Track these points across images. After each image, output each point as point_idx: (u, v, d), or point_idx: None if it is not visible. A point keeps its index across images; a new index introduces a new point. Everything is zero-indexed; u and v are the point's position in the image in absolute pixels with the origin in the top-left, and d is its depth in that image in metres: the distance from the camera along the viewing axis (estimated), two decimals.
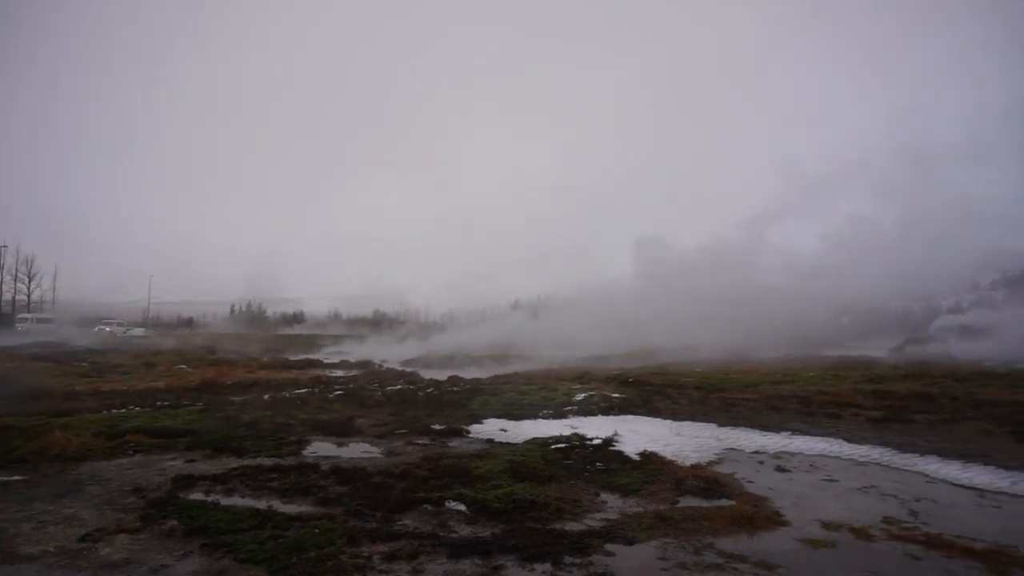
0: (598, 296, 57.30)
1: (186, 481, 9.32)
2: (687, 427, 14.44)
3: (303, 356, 40.82)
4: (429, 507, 8.23)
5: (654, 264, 60.18)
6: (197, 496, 8.67)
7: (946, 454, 11.58)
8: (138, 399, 18.28)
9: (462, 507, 8.21)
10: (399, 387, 21.54)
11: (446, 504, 8.30)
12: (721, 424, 14.80)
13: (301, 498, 8.63)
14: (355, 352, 46.19)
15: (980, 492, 9.44)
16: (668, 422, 15.08)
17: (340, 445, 12.39)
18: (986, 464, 10.81)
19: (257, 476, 9.63)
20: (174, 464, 10.56)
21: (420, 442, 12.72)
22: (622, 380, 22.59)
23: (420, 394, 19.66)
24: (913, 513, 8.34)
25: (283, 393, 19.87)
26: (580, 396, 18.23)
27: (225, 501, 8.45)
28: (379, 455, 11.55)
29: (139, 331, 68.75)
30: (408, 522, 7.69)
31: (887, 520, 7.98)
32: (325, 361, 37.25)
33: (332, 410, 16.70)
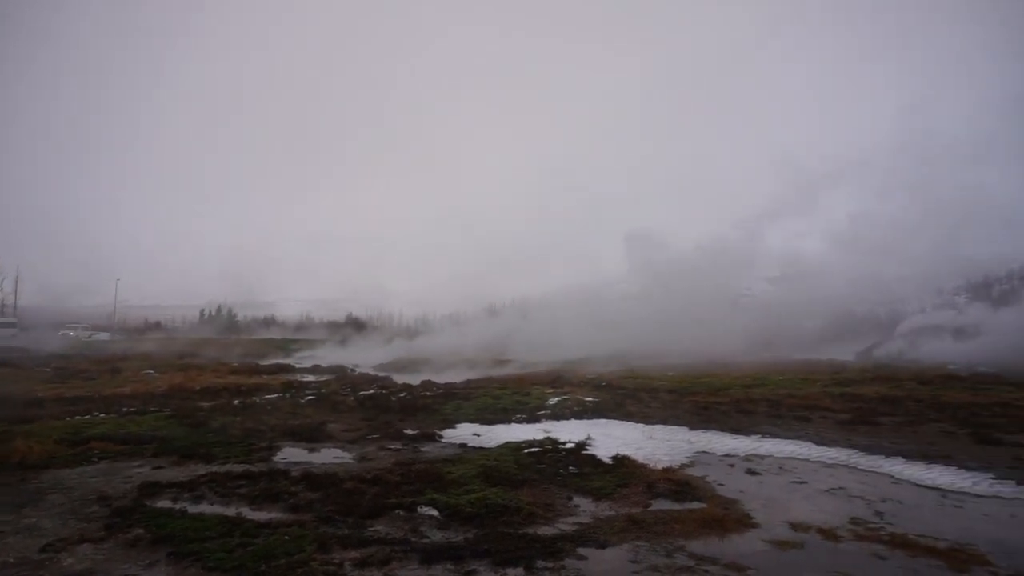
0: (572, 300, 57.50)
1: (152, 488, 9.14)
2: (659, 431, 14.54)
3: (274, 361, 40.30)
4: (401, 512, 8.19)
5: (644, 265, 60.65)
6: (164, 504, 8.51)
7: (911, 455, 11.84)
8: (103, 405, 17.88)
9: (434, 512, 8.18)
10: (372, 392, 21.40)
11: (418, 509, 8.27)
12: (693, 427, 14.94)
13: (271, 505, 8.52)
14: (328, 357, 45.73)
15: (943, 492, 9.66)
16: (641, 426, 15.17)
17: (311, 451, 12.25)
18: (948, 465, 11.09)
19: (226, 483, 9.49)
20: (140, 471, 10.36)
21: (392, 447, 12.64)
22: (595, 384, 22.72)
23: (393, 399, 19.55)
24: (879, 514, 8.50)
25: (253, 398, 19.61)
26: (553, 400, 18.28)
27: (193, 509, 8.31)
28: (351, 460, 11.45)
29: (104, 335, 67.26)
30: (380, 528, 7.64)
31: (854, 521, 8.13)
32: (297, 366, 36.83)
33: (303, 415, 16.52)
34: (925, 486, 10.02)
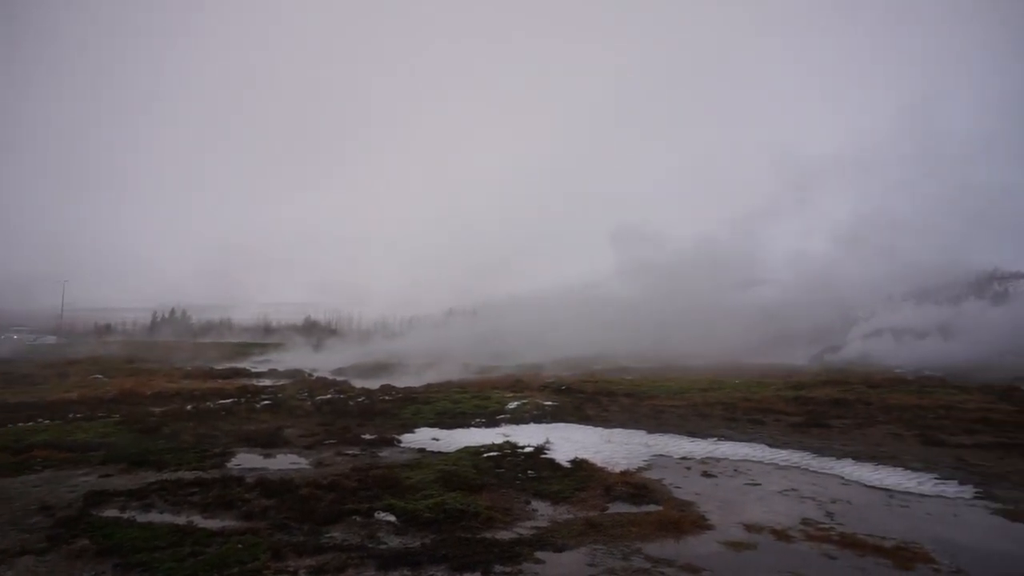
0: (533, 304, 57.78)
1: (99, 497, 8.85)
2: (617, 434, 14.67)
3: (229, 365, 39.45)
4: (358, 518, 8.09)
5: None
6: (111, 513, 8.25)
7: (860, 457, 12.18)
8: (48, 411, 17.27)
9: (392, 518, 8.11)
10: (329, 396, 21.11)
11: (376, 515, 8.19)
12: (650, 431, 15.11)
13: (224, 512, 8.33)
14: (285, 361, 44.99)
15: (890, 493, 9.95)
16: (599, 429, 15.29)
17: (267, 457, 12.04)
18: (895, 466, 11.44)
19: (177, 491, 9.24)
20: (86, 480, 10.03)
21: (350, 452, 12.49)
22: (555, 388, 22.82)
23: (351, 403, 19.33)
24: (829, 514, 8.71)
25: (207, 403, 19.15)
26: (513, 404, 18.30)
27: (142, 518, 8.07)
28: (307, 466, 11.29)
29: (50, 339, 64.99)
30: (336, 534, 7.54)
31: (805, 521, 8.32)
32: (253, 370, 36.11)
33: (259, 420, 16.22)
34: (873, 487, 10.31)
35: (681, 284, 56.36)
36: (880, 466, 11.48)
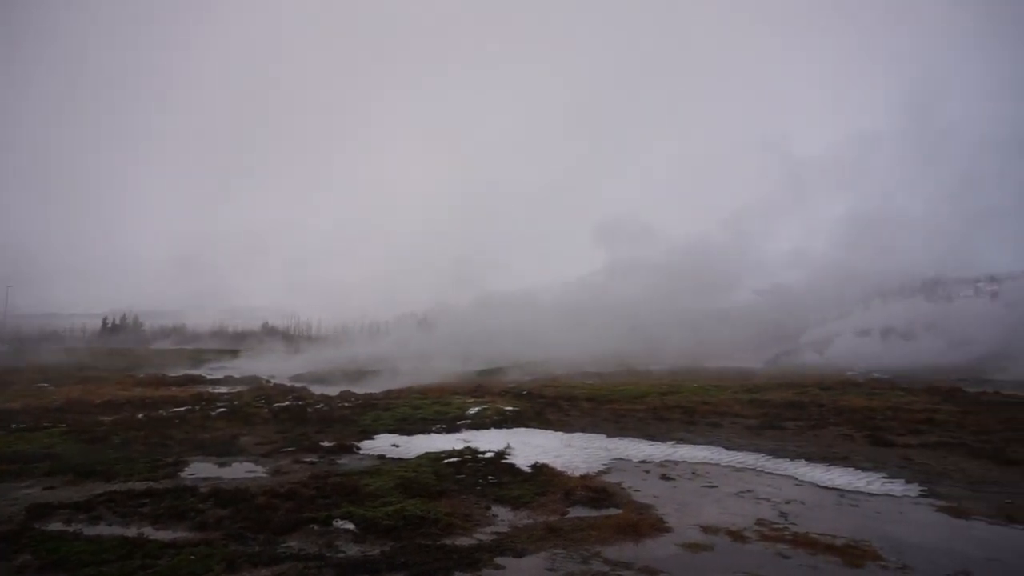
0: (494, 307, 57.80)
1: (43, 510, 8.54)
2: (578, 438, 14.76)
3: (184, 372, 38.52)
4: (316, 527, 7.98)
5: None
6: (56, 526, 7.96)
7: (812, 458, 12.48)
8: None
9: (350, 526, 8.01)
10: (287, 403, 20.78)
11: (334, 523, 8.08)
12: (610, 435, 15.24)
13: (176, 523, 8.13)
14: (241, 367, 44.18)
15: (841, 492, 10.22)
16: (560, 434, 15.36)
17: (222, 465, 11.80)
18: (846, 466, 11.76)
19: (127, 502, 8.98)
20: (29, 492, 9.67)
21: (308, 460, 12.31)
22: (516, 393, 22.86)
23: (309, 410, 19.06)
24: (783, 515, 8.90)
25: (160, 412, 18.67)
26: (474, 410, 18.26)
27: (89, 531, 7.82)
28: (264, 474, 11.10)
29: None
30: (293, 544, 7.41)
31: (760, 522, 8.48)
32: (208, 377, 35.40)
33: (214, 428, 15.89)
34: (825, 487, 10.57)
35: (645, 291, 57.18)
36: (832, 466, 11.78)
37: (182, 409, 19.26)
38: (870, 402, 20.27)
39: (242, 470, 11.45)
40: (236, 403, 20.75)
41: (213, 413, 18.27)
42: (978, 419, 16.63)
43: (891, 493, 10.11)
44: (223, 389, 28.34)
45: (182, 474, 10.87)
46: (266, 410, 19.07)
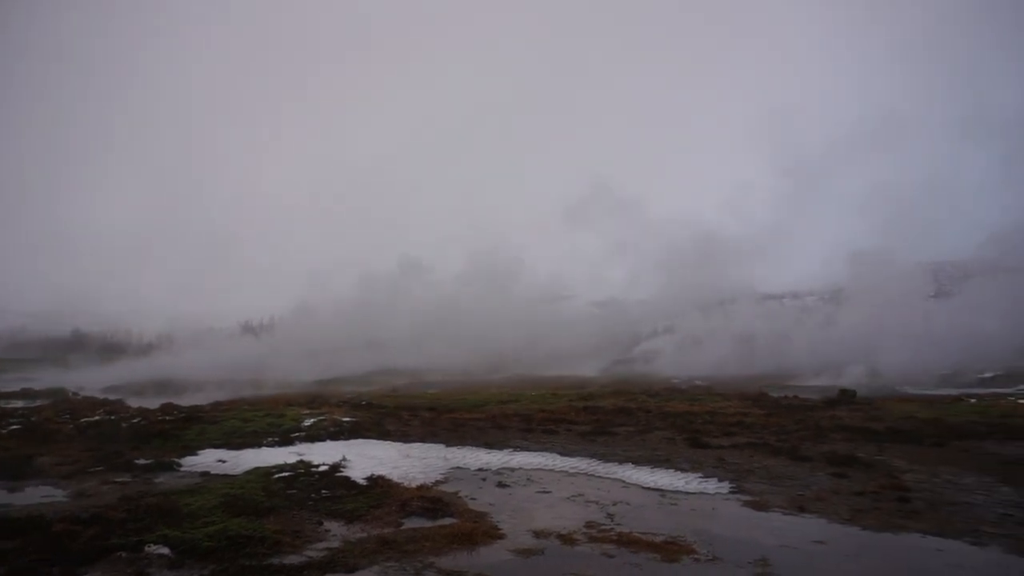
0: (332, 316, 56.13)
1: None
2: (416, 448, 14.63)
3: None
4: (124, 554, 7.23)
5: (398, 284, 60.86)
6: None
7: (639, 461, 13.26)
8: None
9: (165, 550, 7.34)
10: (98, 418, 18.77)
11: (146, 548, 7.37)
12: (449, 444, 15.25)
13: None
14: (44, 378, 39.36)
15: (662, 492, 10.92)
16: (398, 444, 15.14)
17: (12, 491, 10.53)
18: (668, 468, 12.61)
19: None
20: None
21: (119, 480, 11.23)
22: (355, 404, 22.30)
23: (124, 425, 17.33)
24: (610, 516, 9.34)
25: None
26: (309, 421, 17.50)
27: None
28: (64, 498, 10.02)
29: None
30: (97, 574, 6.68)
31: (589, 524, 8.83)
32: (1, 390, 31.15)
33: (3, 448, 14.01)
34: (649, 488, 11.26)
35: (486, 296, 58.14)
36: (656, 469, 12.57)
37: None
38: (691, 407, 21.96)
39: (37, 495, 10.25)
40: (34, 419, 18.48)
41: (4, 431, 16.11)
42: (779, 420, 18.55)
43: (705, 491, 10.96)
44: (19, 403, 25.21)
45: None
46: (71, 426, 17.15)
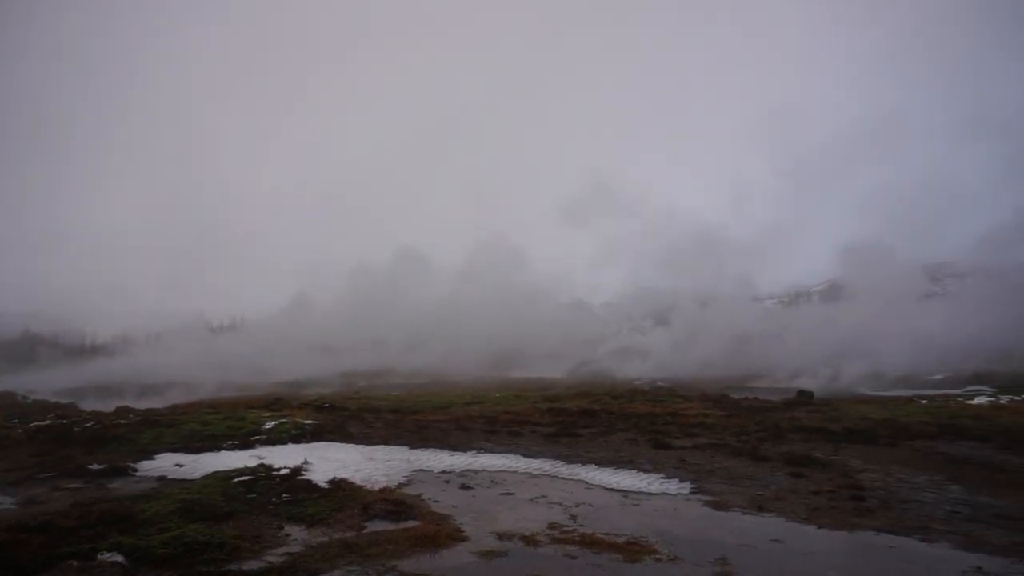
0: (297, 317, 55.39)
1: None
2: (380, 451, 14.51)
3: None
4: (76, 563, 7.00)
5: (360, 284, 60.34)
6: None
7: (602, 462, 13.35)
8: None
9: (119, 558, 7.13)
10: (49, 422, 18.18)
11: (99, 556, 7.14)
12: (413, 446, 15.16)
13: None
14: None
15: (625, 493, 11.01)
16: (361, 447, 15.00)
17: None
18: (631, 469, 12.72)
19: None
20: None
21: (71, 486, 10.89)
22: (317, 406, 22.01)
23: (76, 429, 16.79)
24: (573, 517, 9.39)
25: None
26: (270, 424, 17.22)
27: None
28: (11, 506, 9.69)
29: None
30: None
31: (552, 526, 8.86)
32: None
33: None
34: (612, 489, 11.35)
35: (449, 294, 58.00)
36: (619, 470, 12.68)
37: None
38: (654, 408, 22.19)
39: None
40: None
41: None
42: (739, 421, 18.88)
43: (667, 492, 11.09)
44: None
45: None
46: (20, 431, 16.59)
